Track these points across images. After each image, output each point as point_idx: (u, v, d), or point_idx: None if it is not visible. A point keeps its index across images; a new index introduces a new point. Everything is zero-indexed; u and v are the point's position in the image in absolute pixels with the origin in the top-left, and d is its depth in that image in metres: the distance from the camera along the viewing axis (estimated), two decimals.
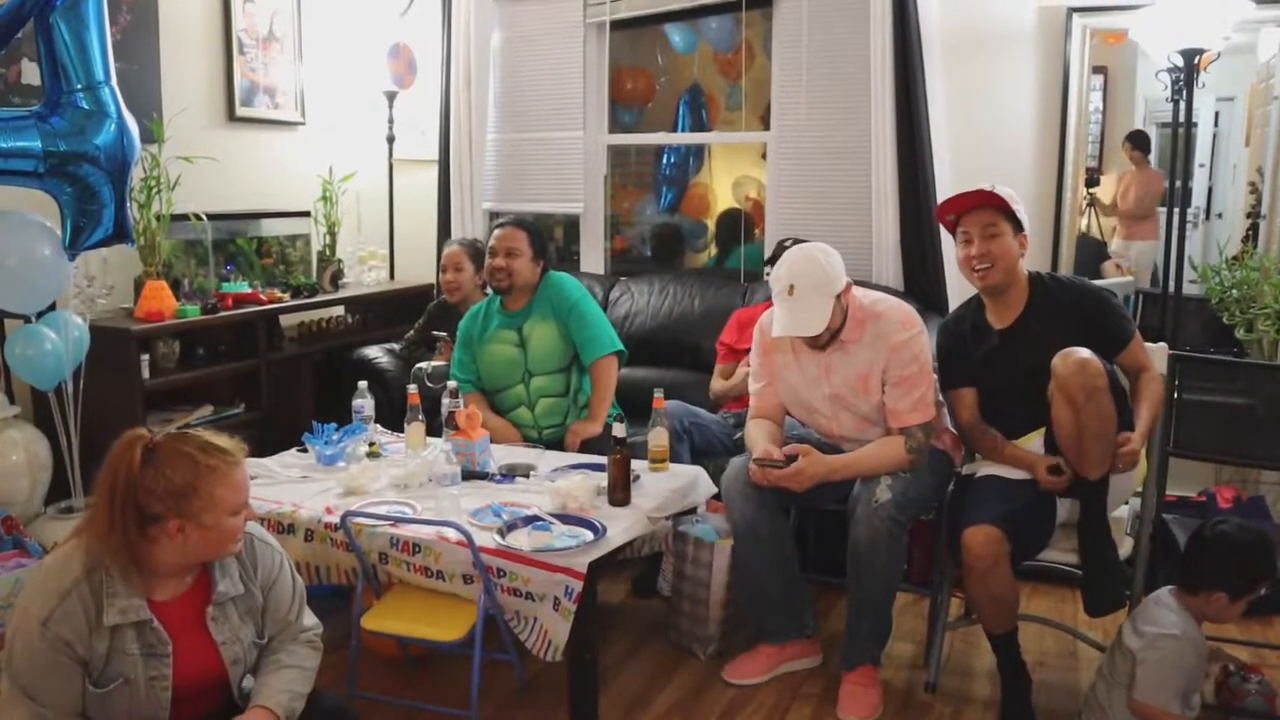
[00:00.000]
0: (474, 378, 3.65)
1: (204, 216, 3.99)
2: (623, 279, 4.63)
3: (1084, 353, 2.49)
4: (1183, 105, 3.53)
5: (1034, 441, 2.69)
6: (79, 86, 3.01)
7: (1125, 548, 2.75)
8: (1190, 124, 3.57)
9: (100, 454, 3.37)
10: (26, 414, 3.54)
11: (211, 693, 1.91)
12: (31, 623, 1.77)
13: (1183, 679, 2.40)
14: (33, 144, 2.92)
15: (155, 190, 3.76)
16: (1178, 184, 3.66)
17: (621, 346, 3.61)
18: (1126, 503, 2.92)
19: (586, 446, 3.40)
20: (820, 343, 2.85)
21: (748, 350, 3.71)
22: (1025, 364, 2.64)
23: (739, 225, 5.62)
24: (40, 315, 3.20)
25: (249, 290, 4.09)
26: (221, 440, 1.89)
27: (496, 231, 3.64)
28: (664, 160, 6.09)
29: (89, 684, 1.80)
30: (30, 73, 3.56)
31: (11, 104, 3.47)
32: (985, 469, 2.79)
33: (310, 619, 2.12)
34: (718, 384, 3.76)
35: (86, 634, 1.79)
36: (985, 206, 2.74)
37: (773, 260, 3.64)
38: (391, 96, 4.97)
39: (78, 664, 1.79)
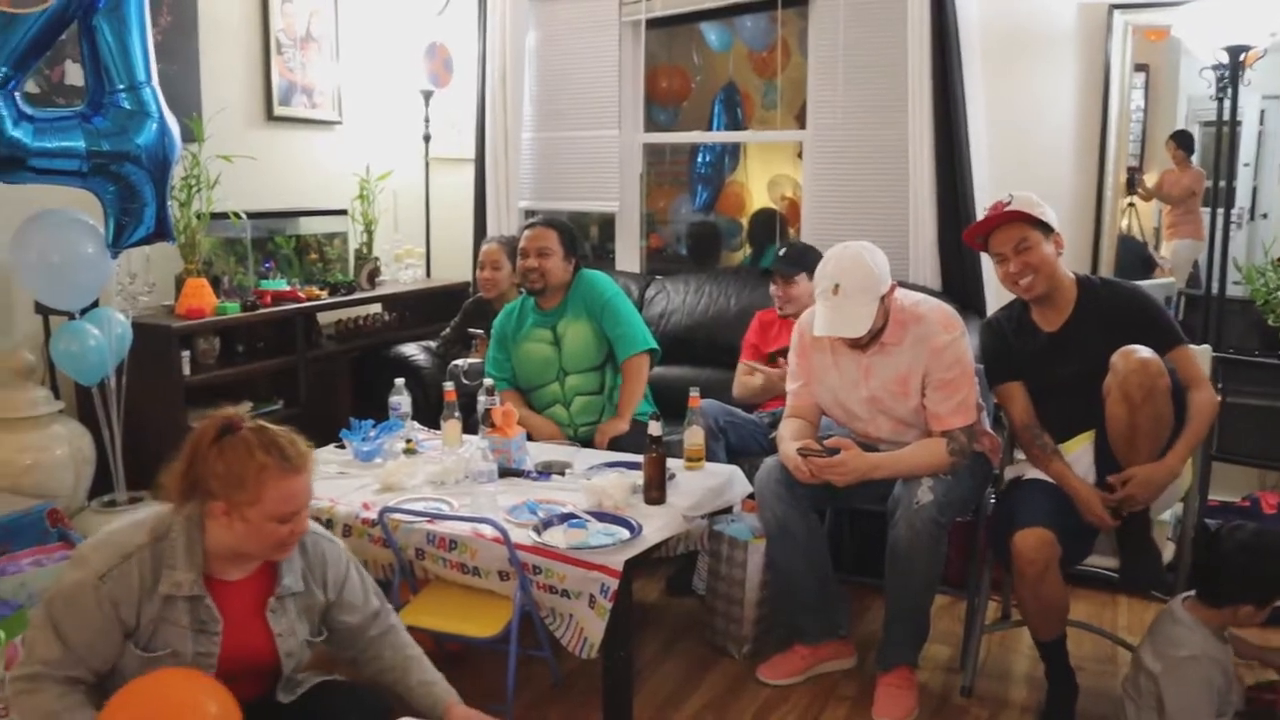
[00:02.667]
0: (509, 376, 3.66)
1: (243, 215, 4.03)
2: (658, 277, 4.63)
3: (1146, 352, 2.45)
4: (1227, 103, 3.48)
5: (1082, 446, 2.66)
6: (121, 87, 3.05)
7: (1168, 553, 2.71)
8: (1235, 122, 3.52)
9: (142, 448, 3.43)
10: (71, 409, 3.59)
11: (258, 681, 1.94)
12: (89, 573, 1.81)
13: (1214, 699, 2.33)
14: (77, 144, 2.96)
15: (195, 189, 3.80)
16: (1222, 184, 3.61)
17: (654, 345, 3.60)
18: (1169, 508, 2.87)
19: (614, 444, 3.40)
20: (861, 343, 2.83)
21: (769, 353, 3.69)
22: (1073, 369, 2.60)
23: (773, 224, 5.61)
24: (84, 312, 3.25)
25: (287, 288, 4.12)
26: (290, 445, 1.89)
27: (527, 232, 3.64)
28: (699, 159, 6.08)
29: (136, 648, 1.83)
30: (74, 74, 3.61)
31: (56, 105, 3.52)
32: (1033, 471, 2.76)
33: (386, 602, 2.18)
34: (743, 381, 3.71)
35: (136, 600, 1.82)
36: (1008, 223, 2.70)
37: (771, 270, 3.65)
38: (428, 95, 4.99)
39: (119, 625, 1.82)
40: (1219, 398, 2.63)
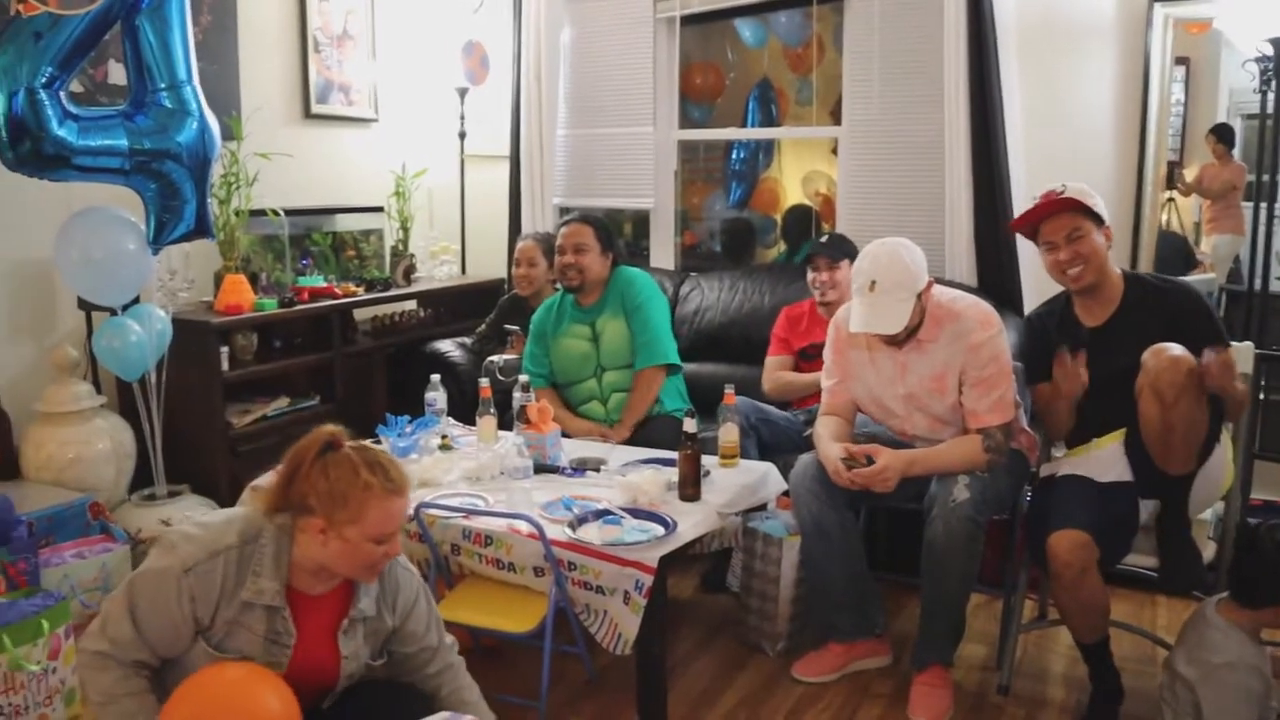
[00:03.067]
0: (546, 372, 3.67)
1: (281, 212, 4.06)
2: (693, 274, 4.62)
3: (1178, 350, 2.41)
4: (1271, 96, 3.43)
5: (1115, 443, 2.63)
6: (163, 86, 3.09)
7: (1209, 552, 2.68)
8: (1279, 116, 3.46)
9: (181, 442, 3.48)
10: (112, 403, 3.64)
11: (311, 695, 1.94)
12: (175, 563, 1.82)
13: (1254, 707, 2.29)
14: (119, 142, 3.00)
15: (234, 186, 3.84)
16: (1265, 178, 3.56)
17: (674, 360, 3.60)
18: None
19: (649, 440, 3.39)
20: (898, 340, 2.82)
21: (799, 349, 3.66)
22: (1116, 365, 2.57)
23: (808, 221, 5.59)
24: (125, 308, 3.30)
25: (324, 284, 4.16)
26: (391, 465, 1.90)
27: (563, 229, 3.66)
28: (733, 155, 6.07)
29: (208, 645, 1.85)
30: (117, 73, 3.66)
31: (99, 103, 3.57)
32: (1065, 468, 2.73)
33: (449, 638, 2.16)
34: (773, 377, 3.66)
35: (214, 600, 1.83)
36: (1062, 211, 2.68)
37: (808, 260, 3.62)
38: (463, 93, 5.02)
39: (193, 620, 1.83)
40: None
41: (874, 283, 2.72)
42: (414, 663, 2.10)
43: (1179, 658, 2.41)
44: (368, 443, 1.94)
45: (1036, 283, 3.92)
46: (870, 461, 2.74)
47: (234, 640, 1.86)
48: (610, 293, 3.62)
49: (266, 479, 1.93)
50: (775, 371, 3.69)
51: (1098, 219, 2.69)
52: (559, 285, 3.72)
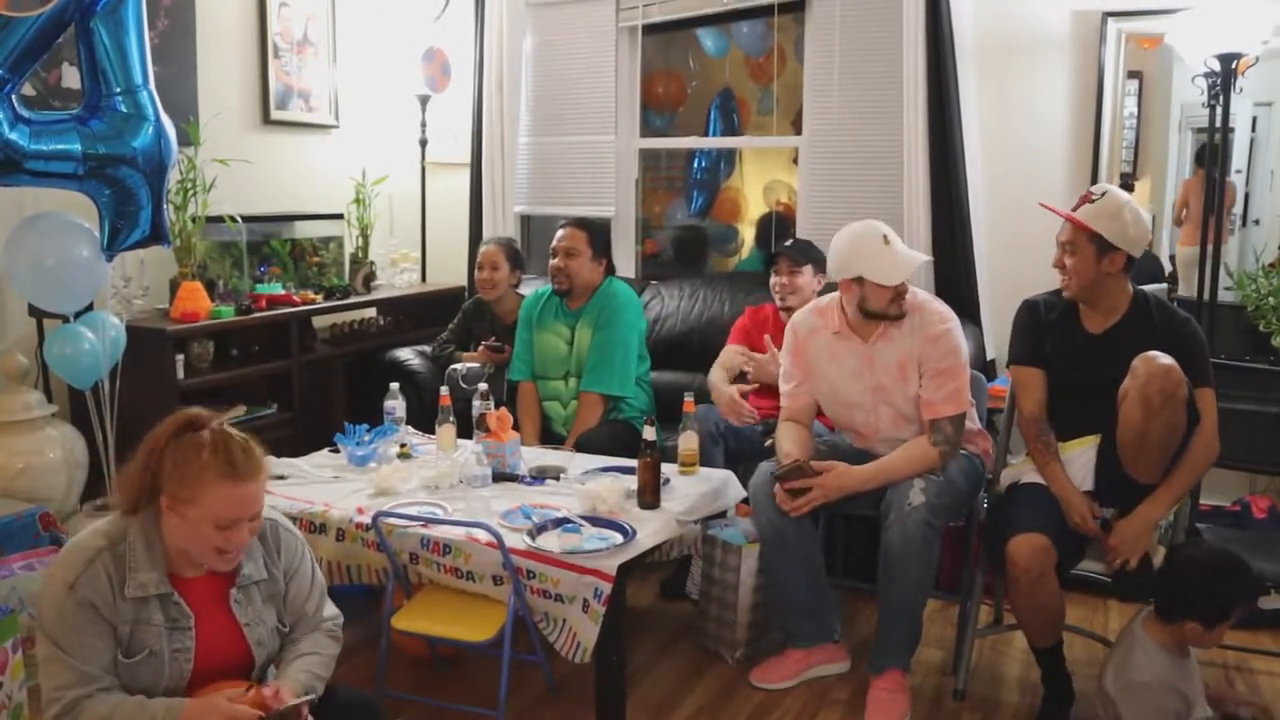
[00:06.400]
0: (531, 359, 3.73)
1: (239, 218, 4.03)
2: (654, 283, 4.63)
3: (1167, 358, 2.44)
4: (1220, 111, 3.49)
5: (1084, 448, 2.67)
6: (118, 90, 3.05)
7: (1159, 557, 2.72)
8: (1227, 129, 3.53)
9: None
10: (64, 412, 3.59)
11: (236, 674, 1.94)
12: (59, 587, 1.81)
13: None
14: (73, 147, 2.96)
15: (191, 192, 3.80)
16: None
17: (616, 392, 3.62)
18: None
19: (591, 446, 3.42)
20: (890, 312, 2.87)
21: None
22: (1103, 375, 2.58)
23: (780, 227, 5.61)
24: (78, 315, 3.24)
25: (282, 292, 4.12)
26: (242, 452, 1.86)
27: (558, 232, 3.70)
28: (695, 164, 6.09)
29: (120, 654, 1.84)
30: (71, 77, 3.61)
31: (53, 108, 3.52)
32: (1029, 476, 2.77)
33: (330, 609, 2.13)
34: (714, 373, 3.57)
35: (112, 599, 1.82)
36: (1072, 223, 2.69)
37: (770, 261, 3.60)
38: (425, 100, 5.00)
39: (107, 625, 1.82)
40: (1218, 449, 2.62)
41: (885, 236, 2.88)
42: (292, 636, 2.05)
43: (1108, 673, 2.46)
44: (231, 429, 1.91)
45: (993, 294, 3.98)
46: (807, 473, 2.78)
47: (139, 639, 1.85)
48: (594, 302, 3.66)
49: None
50: (720, 369, 3.56)
51: (1104, 244, 2.64)
52: (521, 288, 3.74)
